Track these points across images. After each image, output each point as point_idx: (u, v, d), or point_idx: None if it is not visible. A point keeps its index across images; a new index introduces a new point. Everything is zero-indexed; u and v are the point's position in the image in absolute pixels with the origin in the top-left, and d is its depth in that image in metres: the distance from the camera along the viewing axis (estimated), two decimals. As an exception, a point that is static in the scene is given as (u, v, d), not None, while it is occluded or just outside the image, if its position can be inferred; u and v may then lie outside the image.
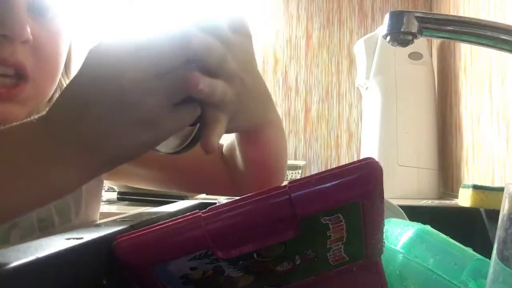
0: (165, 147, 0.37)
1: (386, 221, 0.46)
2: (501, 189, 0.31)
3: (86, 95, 0.31)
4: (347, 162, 0.31)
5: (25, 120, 0.34)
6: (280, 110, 1.87)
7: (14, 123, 0.34)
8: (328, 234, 0.32)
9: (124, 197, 1.20)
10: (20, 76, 0.49)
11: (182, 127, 0.34)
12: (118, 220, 0.38)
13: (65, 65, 0.58)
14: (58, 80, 0.57)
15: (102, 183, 0.66)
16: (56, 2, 0.52)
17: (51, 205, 0.55)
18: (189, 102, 0.33)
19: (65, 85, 0.60)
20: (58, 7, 0.52)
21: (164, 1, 0.36)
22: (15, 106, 0.49)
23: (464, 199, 0.76)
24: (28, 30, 0.48)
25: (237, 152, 0.54)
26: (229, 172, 0.58)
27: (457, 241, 0.43)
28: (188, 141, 0.37)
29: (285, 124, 1.88)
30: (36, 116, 0.33)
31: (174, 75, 0.31)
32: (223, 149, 0.60)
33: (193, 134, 0.36)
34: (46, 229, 0.55)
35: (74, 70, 0.62)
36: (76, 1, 0.60)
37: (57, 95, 0.59)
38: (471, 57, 1.34)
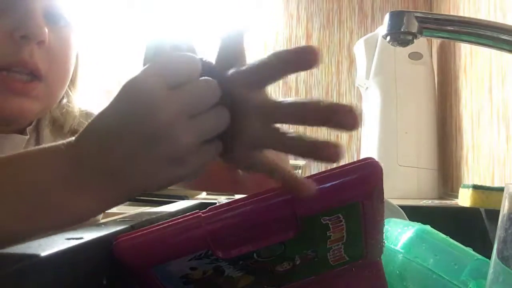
0: None
1: (386, 221, 0.46)
2: (501, 189, 0.31)
3: (117, 128, 0.31)
4: (347, 162, 0.31)
5: (52, 144, 0.34)
6: (280, 110, 1.87)
7: (42, 146, 0.34)
8: (328, 234, 0.32)
9: (124, 197, 1.20)
10: (34, 76, 0.52)
11: (208, 162, 0.34)
12: (118, 220, 0.38)
13: (74, 72, 0.61)
14: (67, 85, 0.60)
15: None
16: (69, 12, 0.56)
17: None
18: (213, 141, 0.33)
19: (70, 93, 0.63)
20: (70, 16, 0.56)
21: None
22: (28, 101, 0.53)
23: (464, 199, 0.76)
24: (46, 31, 0.51)
25: None
26: (232, 170, 0.58)
27: (457, 241, 0.43)
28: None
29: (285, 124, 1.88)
30: (64, 141, 0.33)
31: (208, 116, 0.32)
32: None
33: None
34: None
35: (79, 80, 0.65)
36: (84, 12, 0.63)
37: (64, 100, 0.61)
38: (471, 57, 1.34)
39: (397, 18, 0.58)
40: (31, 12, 0.50)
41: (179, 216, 0.31)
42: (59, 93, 0.58)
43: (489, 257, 0.31)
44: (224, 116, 0.32)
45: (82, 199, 0.32)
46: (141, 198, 1.16)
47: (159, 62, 0.32)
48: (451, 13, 1.52)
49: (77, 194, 0.32)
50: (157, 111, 0.30)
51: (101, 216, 0.64)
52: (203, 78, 0.32)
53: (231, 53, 0.34)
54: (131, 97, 0.31)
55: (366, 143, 1.57)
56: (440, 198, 1.45)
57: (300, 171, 1.57)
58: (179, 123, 0.30)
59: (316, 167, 1.86)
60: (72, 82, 0.62)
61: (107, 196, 0.33)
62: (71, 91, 0.63)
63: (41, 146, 0.34)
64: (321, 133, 1.87)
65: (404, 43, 0.59)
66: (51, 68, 0.54)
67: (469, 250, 0.42)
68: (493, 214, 0.70)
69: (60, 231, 0.31)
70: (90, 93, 0.68)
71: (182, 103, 0.31)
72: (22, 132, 0.58)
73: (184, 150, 0.31)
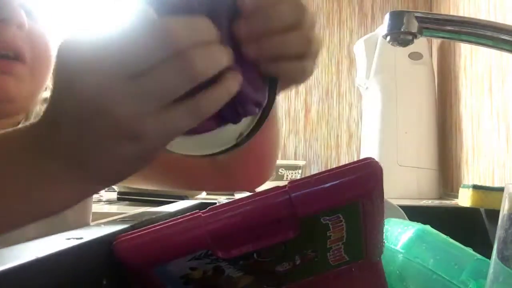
0: (195, 149, 0.31)
1: (386, 221, 0.46)
2: (501, 189, 0.31)
3: (56, 105, 0.28)
4: (347, 162, 0.31)
5: (9, 130, 0.31)
6: (280, 110, 1.87)
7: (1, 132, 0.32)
8: (328, 234, 0.32)
9: (124, 197, 1.20)
10: (17, 58, 0.53)
11: (178, 133, 0.28)
12: (118, 220, 0.38)
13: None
14: (50, 73, 0.59)
15: None
16: (42, 3, 0.57)
17: None
18: (183, 101, 0.27)
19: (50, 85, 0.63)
20: (44, 10, 0.57)
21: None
22: (14, 80, 0.53)
23: (464, 199, 0.76)
24: (23, 14, 0.52)
25: None
26: (223, 166, 0.58)
27: (457, 241, 0.43)
28: (239, 139, 0.31)
29: (285, 124, 1.88)
30: (17, 128, 0.31)
31: (154, 76, 0.25)
32: None
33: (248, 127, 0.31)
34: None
35: None
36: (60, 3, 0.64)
37: (47, 92, 0.61)
38: (471, 57, 1.34)
39: (397, 18, 0.58)
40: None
41: (179, 216, 0.31)
42: (44, 79, 0.58)
43: (489, 257, 0.31)
44: (186, 72, 0.25)
45: (47, 186, 0.30)
46: (142, 198, 1.16)
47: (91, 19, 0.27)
48: (451, 13, 1.52)
49: (40, 181, 0.30)
50: (81, 78, 0.26)
51: (93, 217, 0.64)
52: (147, 22, 0.25)
53: None
54: (58, 65, 0.28)
55: (366, 143, 1.57)
56: (440, 198, 1.45)
57: (300, 171, 1.57)
58: (112, 88, 0.25)
59: (316, 167, 1.86)
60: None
61: (73, 182, 0.30)
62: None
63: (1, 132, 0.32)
64: (320, 132, 1.87)
65: (404, 43, 0.59)
66: (34, 53, 0.54)
67: (469, 250, 0.42)
68: (493, 214, 0.70)
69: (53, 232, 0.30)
70: None
71: (116, 63, 0.25)
72: None
73: (128, 121, 0.26)
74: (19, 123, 0.58)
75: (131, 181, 0.67)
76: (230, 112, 0.30)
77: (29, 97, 0.58)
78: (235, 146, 0.31)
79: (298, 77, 0.34)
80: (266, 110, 0.32)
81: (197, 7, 0.27)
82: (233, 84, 0.28)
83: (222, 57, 0.27)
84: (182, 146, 0.31)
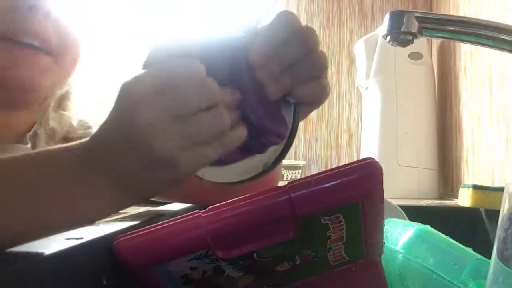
0: (226, 177, 0.34)
1: (386, 221, 0.46)
2: (501, 189, 0.31)
3: (109, 131, 0.32)
4: (347, 162, 0.31)
5: (64, 145, 0.34)
6: (280, 110, 1.87)
7: (55, 147, 0.34)
8: (328, 234, 0.32)
9: (124, 197, 1.20)
10: (44, 47, 0.53)
11: (206, 164, 0.32)
12: (118, 220, 0.38)
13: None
14: (76, 66, 0.60)
15: None
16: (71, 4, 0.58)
17: None
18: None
19: (72, 86, 0.63)
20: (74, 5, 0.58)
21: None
22: (38, 71, 0.53)
23: (464, 199, 0.76)
24: (50, 1, 0.52)
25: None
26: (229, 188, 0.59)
27: (457, 241, 0.43)
28: (261, 170, 0.34)
29: (285, 124, 1.88)
30: (74, 143, 0.34)
31: (194, 120, 0.31)
32: None
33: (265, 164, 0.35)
34: None
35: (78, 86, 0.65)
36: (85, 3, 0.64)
37: (62, 93, 0.61)
38: (471, 57, 1.34)
39: (397, 18, 0.58)
40: None
41: (179, 216, 0.31)
42: (70, 70, 0.59)
43: (489, 257, 0.31)
44: (220, 119, 0.31)
45: (93, 197, 0.32)
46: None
47: (152, 66, 0.32)
48: (451, 13, 1.52)
49: (89, 191, 0.32)
50: (137, 111, 0.30)
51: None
52: (199, 79, 0.31)
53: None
54: (119, 99, 0.32)
55: (366, 143, 1.57)
56: (440, 198, 1.45)
57: (300, 171, 1.57)
58: (160, 124, 0.30)
59: (316, 167, 1.86)
60: (71, 86, 0.63)
61: (115, 195, 0.32)
62: (69, 96, 0.63)
63: (54, 147, 0.35)
64: (320, 132, 1.87)
65: (404, 43, 0.59)
66: (60, 41, 0.54)
67: (469, 250, 0.42)
68: (493, 214, 0.70)
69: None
70: (87, 101, 0.68)
71: (166, 105, 0.30)
72: (21, 140, 0.58)
73: (167, 153, 0.30)
74: (24, 136, 0.58)
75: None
76: (255, 144, 0.33)
77: (52, 87, 0.58)
78: (262, 173, 0.34)
79: (318, 98, 0.36)
80: (291, 139, 0.35)
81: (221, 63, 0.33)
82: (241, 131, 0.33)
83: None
84: (213, 174, 0.34)
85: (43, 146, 0.60)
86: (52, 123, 0.61)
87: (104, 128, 0.33)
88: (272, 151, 0.35)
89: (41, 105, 0.59)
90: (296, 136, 0.36)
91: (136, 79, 0.32)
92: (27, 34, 0.51)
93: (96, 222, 0.38)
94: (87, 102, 0.67)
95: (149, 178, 0.32)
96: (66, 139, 0.60)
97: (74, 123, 0.62)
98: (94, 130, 0.62)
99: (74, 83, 0.64)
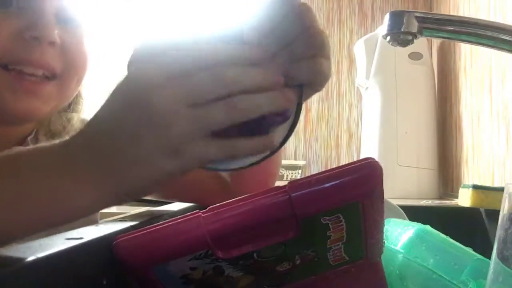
0: (231, 163, 0.34)
1: (386, 221, 0.46)
2: (501, 189, 0.31)
3: (109, 121, 0.31)
4: (347, 162, 0.31)
5: (45, 144, 0.34)
6: (280, 110, 1.87)
7: (35, 146, 0.34)
8: (328, 234, 0.32)
9: (124, 197, 1.20)
10: (46, 76, 0.52)
11: (211, 160, 0.32)
12: (118, 220, 0.38)
13: None
14: (80, 85, 0.60)
15: None
16: (80, 13, 0.57)
17: None
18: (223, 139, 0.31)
19: (80, 101, 0.63)
20: (81, 18, 0.57)
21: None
22: (38, 101, 0.53)
23: (464, 199, 0.76)
24: (56, 32, 0.52)
25: (249, 179, 0.56)
26: (225, 181, 0.60)
27: (457, 241, 0.43)
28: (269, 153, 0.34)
29: (285, 124, 1.88)
30: (56, 141, 0.33)
31: (208, 109, 0.30)
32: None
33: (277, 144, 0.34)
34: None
35: (84, 87, 0.65)
36: (95, 13, 0.64)
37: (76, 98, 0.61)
38: (471, 57, 1.34)
39: (397, 18, 0.58)
40: (42, 12, 0.51)
41: (179, 216, 0.31)
42: (73, 92, 0.58)
43: (489, 257, 0.31)
44: (234, 110, 0.30)
45: (75, 193, 0.31)
46: (141, 198, 1.16)
47: (158, 54, 0.31)
48: (451, 13, 1.52)
49: (71, 188, 0.31)
50: (151, 95, 0.29)
51: (98, 216, 0.64)
52: (213, 68, 0.31)
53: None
54: (127, 88, 0.31)
55: (366, 143, 1.57)
56: (440, 198, 1.45)
57: (300, 171, 1.57)
58: (175, 110, 0.30)
59: (316, 167, 1.86)
60: (80, 91, 0.63)
61: (103, 190, 0.32)
62: (79, 100, 0.64)
63: (35, 146, 0.34)
64: (320, 132, 1.87)
65: (404, 43, 0.59)
66: (66, 67, 0.54)
67: (469, 250, 0.42)
68: (493, 214, 0.70)
69: (59, 231, 0.31)
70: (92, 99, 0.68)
71: (181, 91, 0.30)
72: (22, 143, 0.57)
73: (178, 140, 0.30)
74: (25, 139, 0.58)
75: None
76: (258, 126, 0.33)
77: (51, 111, 0.57)
78: (268, 155, 0.34)
79: (315, 78, 0.36)
80: (295, 120, 0.34)
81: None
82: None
83: (261, 103, 0.31)
84: (219, 161, 0.33)
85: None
86: (53, 126, 0.60)
87: (92, 122, 0.32)
88: (276, 133, 0.34)
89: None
90: (299, 123, 0.36)
91: (147, 66, 0.31)
92: (31, 64, 0.51)
93: (96, 222, 0.38)
94: (92, 102, 0.67)
95: (151, 168, 0.31)
96: None
97: (78, 123, 0.62)
98: None
99: (83, 87, 0.64)
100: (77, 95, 0.62)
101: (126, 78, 0.32)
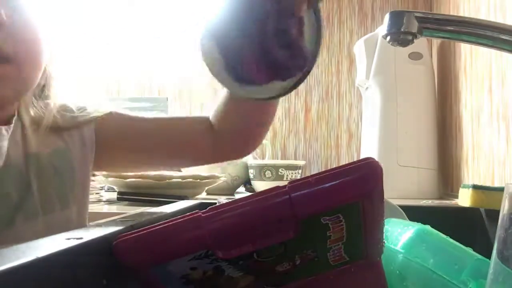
0: (265, 92, 0.40)
1: (386, 221, 0.46)
2: (501, 189, 0.31)
3: None
4: (347, 162, 0.31)
5: None
6: (280, 110, 1.87)
7: None
8: (328, 234, 0.32)
9: (124, 197, 1.20)
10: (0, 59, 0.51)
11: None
12: (118, 220, 0.38)
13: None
14: (43, 66, 0.58)
15: (91, 176, 0.67)
16: None
17: (51, 189, 0.57)
18: None
19: (51, 86, 0.62)
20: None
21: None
22: None
23: (464, 199, 0.76)
24: (2, 13, 0.50)
25: (231, 115, 0.63)
26: (216, 138, 0.64)
27: (457, 241, 0.43)
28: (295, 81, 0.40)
29: (285, 124, 1.88)
30: None
31: None
32: (210, 117, 0.67)
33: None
34: (49, 214, 0.56)
35: (60, 73, 0.64)
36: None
37: (43, 82, 0.60)
38: (471, 57, 1.34)
39: (397, 18, 0.58)
40: None
41: (179, 216, 0.31)
42: (33, 75, 0.57)
43: (489, 257, 0.31)
44: None
45: None
46: (142, 198, 1.16)
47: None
48: (451, 13, 1.52)
49: None
50: None
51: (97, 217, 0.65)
52: None
53: None
54: None
55: (366, 143, 1.57)
56: (440, 198, 1.45)
57: (300, 171, 1.57)
58: None
59: (316, 167, 1.86)
60: (51, 75, 0.62)
61: None
62: (51, 84, 0.63)
63: None
64: (320, 132, 1.87)
65: (404, 43, 0.59)
66: (19, 49, 0.53)
67: (469, 250, 0.42)
68: (493, 214, 0.70)
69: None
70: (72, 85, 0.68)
71: None
72: (7, 122, 0.57)
73: None
74: (12, 116, 0.58)
75: (136, 165, 0.71)
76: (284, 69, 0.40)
77: (17, 95, 0.57)
78: (292, 88, 0.41)
79: None
80: (318, 45, 0.39)
81: None
82: None
83: None
84: (249, 92, 0.41)
85: (30, 132, 0.59)
86: (34, 112, 0.60)
87: None
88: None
89: (9, 110, 0.58)
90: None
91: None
92: None
93: (96, 222, 0.38)
94: (67, 88, 0.66)
95: None
96: (54, 128, 0.60)
97: (54, 110, 0.62)
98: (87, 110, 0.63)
99: (54, 71, 0.63)
100: (47, 79, 0.62)
101: None
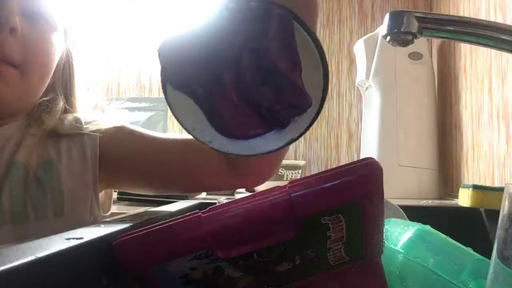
0: (266, 145, 0.34)
1: (386, 221, 0.46)
2: (501, 189, 0.31)
3: None
4: (347, 162, 0.31)
5: None
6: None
7: None
8: (328, 234, 0.32)
9: (124, 197, 1.20)
10: (7, 63, 0.53)
11: None
12: (118, 220, 0.38)
13: (67, 79, 0.63)
14: (48, 80, 0.60)
15: (91, 189, 0.62)
16: (48, 11, 0.58)
17: (27, 198, 0.56)
18: None
19: (72, 101, 0.63)
20: (49, 16, 0.58)
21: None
22: (1, 84, 0.53)
23: (464, 199, 0.76)
24: (17, 20, 0.53)
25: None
26: (230, 163, 0.59)
27: (457, 241, 0.43)
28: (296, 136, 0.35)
29: (285, 124, 1.88)
30: None
31: None
32: None
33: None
34: (20, 223, 0.55)
35: (77, 88, 0.65)
36: (72, 15, 0.64)
37: (48, 98, 0.61)
38: (471, 57, 1.34)
39: (397, 18, 0.58)
40: (5, 2, 0.53)
41: (179, 216, 0.31)
42: (37, 84, 0.58)
43: (489, 257, 0.31)
44: None
45: None
46: (142, 198, 1.16)
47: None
48: (451, 13, 1.52)
49: None
50: None
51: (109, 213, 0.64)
52: None
53: None
54: None
55: (366, 143, 1.57)
56: (440, 198, 1.45)
57: (300, 171, 1.57)
58: None
59: (316, 167, 1.86)
60: (70, 90, 0.64)
61: None
62: (71, 98, 0.64)
63: None
64: (320, 132, 1.87)
65: (404, 43, 0.59)
66: (27, 58, 0.55)
67: (469, 250, 0.42)
68: (493, 214, 0.70)
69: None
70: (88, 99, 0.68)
71: None
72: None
73: None
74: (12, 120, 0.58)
75: (137, 186, 0.67)
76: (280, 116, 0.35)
77: (21, 100, 0.57)
78: (295, 139, 0.35)
79: None
80: (322, 101, 0.38)
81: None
82: None
83: None
84: (244, 148, 0.34)
85: (26, 140, 0.59)
86: (43, 115, 0.60)
87: None
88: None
89: (15, 119, 0.59)
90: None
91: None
92: None
93: (96, 222, 0.38)
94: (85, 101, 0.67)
95: None
96: (52, 135, 0.60)
97: (70, 118, 0.61)
98: (91, 126, 0.62)
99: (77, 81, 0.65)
100: (67, 94, 0.63)
101: None
